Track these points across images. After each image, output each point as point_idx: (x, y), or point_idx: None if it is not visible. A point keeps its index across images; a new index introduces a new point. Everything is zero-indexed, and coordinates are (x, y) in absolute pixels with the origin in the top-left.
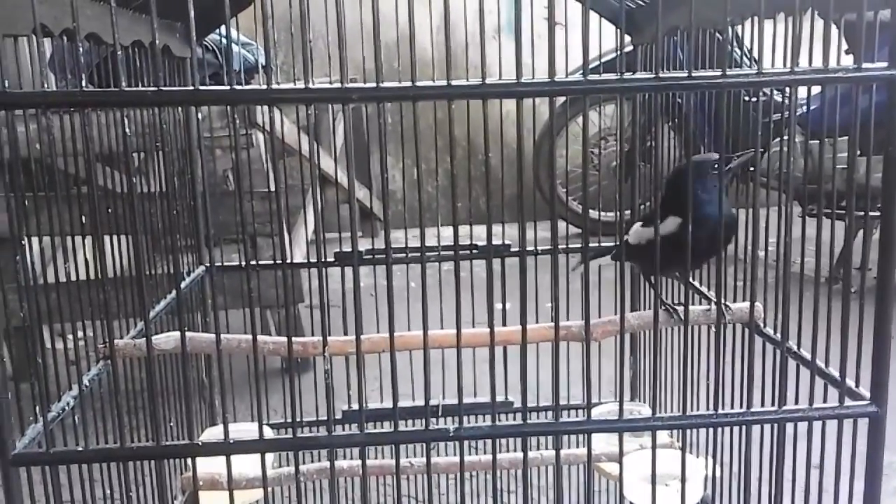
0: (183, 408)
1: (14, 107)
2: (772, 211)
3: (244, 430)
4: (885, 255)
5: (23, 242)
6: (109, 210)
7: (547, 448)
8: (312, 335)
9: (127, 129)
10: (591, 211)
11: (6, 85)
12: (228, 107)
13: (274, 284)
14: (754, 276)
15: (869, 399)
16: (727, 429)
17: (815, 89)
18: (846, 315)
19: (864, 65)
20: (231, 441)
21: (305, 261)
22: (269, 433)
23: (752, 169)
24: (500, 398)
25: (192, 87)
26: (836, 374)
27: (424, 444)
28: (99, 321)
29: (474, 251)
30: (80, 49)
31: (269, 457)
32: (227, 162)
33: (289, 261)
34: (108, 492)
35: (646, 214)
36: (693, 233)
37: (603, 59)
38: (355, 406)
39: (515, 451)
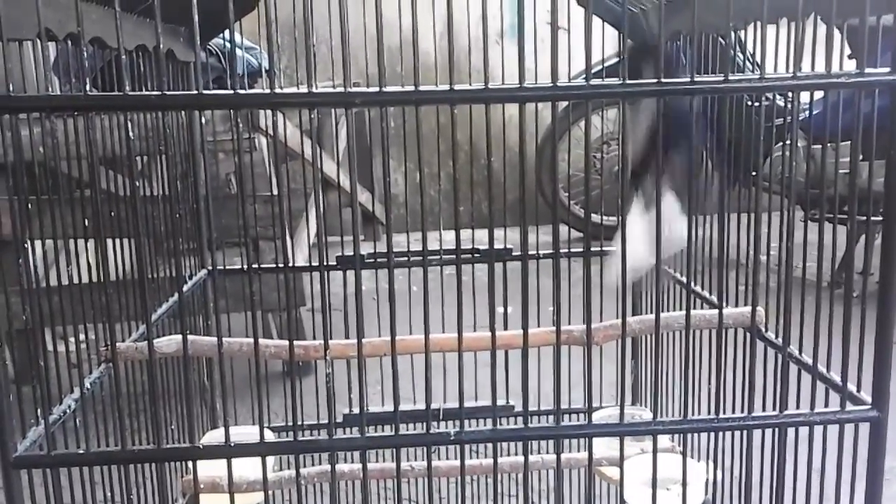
0: (184, 411)
1: (18, 110)
2: (774, 215)
3: (245, 433)
4: (887, 260)
5: (26, 245)
6: (112, 213)
7: (548, 452)
8: (314, 339)
9: (130, 133)
10: (593, 215)
11: (10, 89)
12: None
13: (276, 288)
14: (756, 281)
15: (870, 404)
16: (728, 433)
17: (818, 94)
18: (848, 320)
19: (867, 70)
20: (232, 444)
21: (307, 264)
22: (270, 436)
23: (754, 173)
24: (501, 402)
25: (195, 91)
26: (838, 378)
27: (425, 448)
28: (101, 324)
29: (476, 255)
30: (85, 53)
31: (270, 460)
32: (229, 165)
33: (291, 264)
34: (108, 494)
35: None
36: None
37: (606, 64)
38: (356, 409)
39: (516, 454)
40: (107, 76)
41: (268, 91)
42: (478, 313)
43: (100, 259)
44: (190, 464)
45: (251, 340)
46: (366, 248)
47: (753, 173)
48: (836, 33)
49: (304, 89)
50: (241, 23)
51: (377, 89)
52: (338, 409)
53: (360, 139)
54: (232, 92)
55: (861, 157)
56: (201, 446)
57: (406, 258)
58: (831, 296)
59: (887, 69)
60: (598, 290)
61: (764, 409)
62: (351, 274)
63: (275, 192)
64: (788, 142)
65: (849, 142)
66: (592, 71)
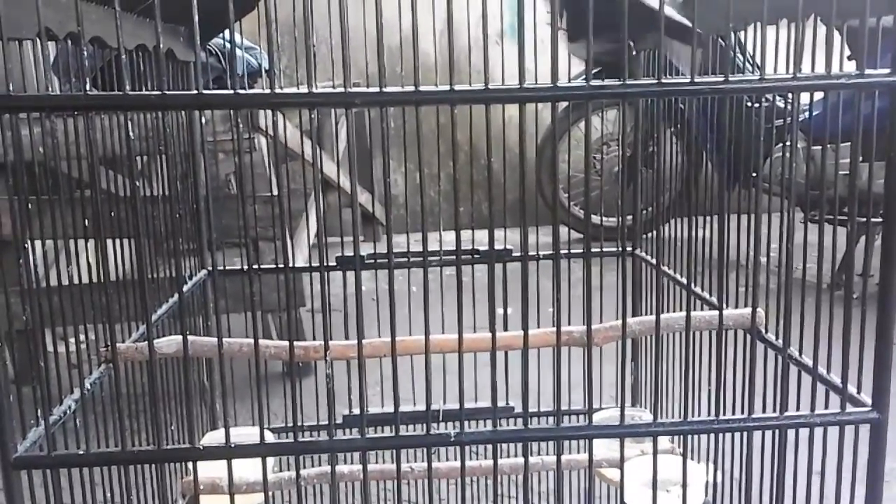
0: (184, 411)
1: (18, 110)
2: (774, 217)
3: (245, 433)
4: (886, 262)
5: (26, 245)
6: (112, 213)
7: (548, 453)
8: (314, 339)
9: (130, 133)
10: (593, 216)
11: (10, 88)
12: (232, 111)
13: (276, 288)
14: (756, 282)
15: (870, 406)
16: (728, 435)
17: (818, 95)
18: (848, 321)
19: (867, 71)
20: (232, 445)
21: (307, 265)
22: (270, 437)
23: (754, 174)
24: (501, 403)
25: (195, 91)
26: (838, 380)
27: (426, 449)
28: (101, 324)
29: (476, 256)
30: (84, 53)
31: (270, 461)
32: (229, 166)
33: (291, 265)
34: (108, 495)
35: None
36: None
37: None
38: (356, 410)
39: (516, 456)
40: (107, 76)
41: (268, 91)
42: (478, 314)
43: (100, 259)
44: (190, 465)
45: (251, 341)
46: (366, 249)
47: (753, 174)
48: (836, 34)
49: (303, 89)
50: (241, 23)
51: (377, 89)
52: (338, 410)
53: (360, 140)
54: (232, 92)
55: (861, 158)
56: (201, 447)
57: (406, 259)
58: (831, 297)
59: (887, 70)
60: (598, 291)
61: (764, 411)
62: (351, 274)
63: (275, 192)
64: (788, 143)
65: (849, 143)
66: (592, 71)
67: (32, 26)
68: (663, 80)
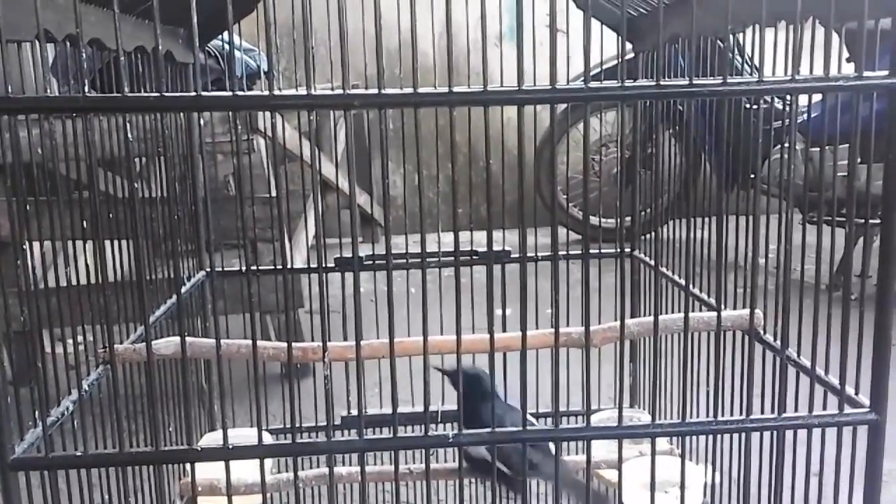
0: (182, 413)
1: (17, 112)
2: (772, 218)
3: (243, 435)
4: (885, 263)
5: (24, 247)
6: (110, 215)
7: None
8: (312, 341)
9: (129, 135)
10: (591, 217)
11: (9, 90)
12: (230, 112)
13: (274, 289)
14: (754, 283)
15: (868, 407)
16: (727, 436)
17: (816, 97)
18: (846, 322)
19: (865, 73)
20: (230, 446)
21: (306, 266)
22: (268, 439)
23: (752, 176)
24: None
25: (194, 93)
26: (836, 381)
27: (424, 451)
28: (99, 326)
29: (475, 257)
30: (83, 54)
31: (269, 462)
32: (228, 167)
33: (289, 266)
34: (106, 497)
35: None
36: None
37: (604, 67)
38: (355, 412)
39: None
40: (105, 78)
41: (266, 93)
42: (476, 315)
43: (98, 261)
44: (188, 466)
45: (249, 342)
46: (364, 250)
47: (752, 176)
48: (835, 37)
49: (302, 91)
50: (239, 24)
51: (376, 91)
52: (336, 412)
53: (358, 141)
54: (230, 94)
55: (859, 159)
56: (199, 448)
57: (405, 260)
58: (830, 298)
59: (885, 72)
60: (596, 293)
61: (762, 412)
62: (349, 276)
63: (273, 193)
64: (787, 144)
65: (847, 145)
66: (591, 74)
67: (31, 28)
68: (662, 82)
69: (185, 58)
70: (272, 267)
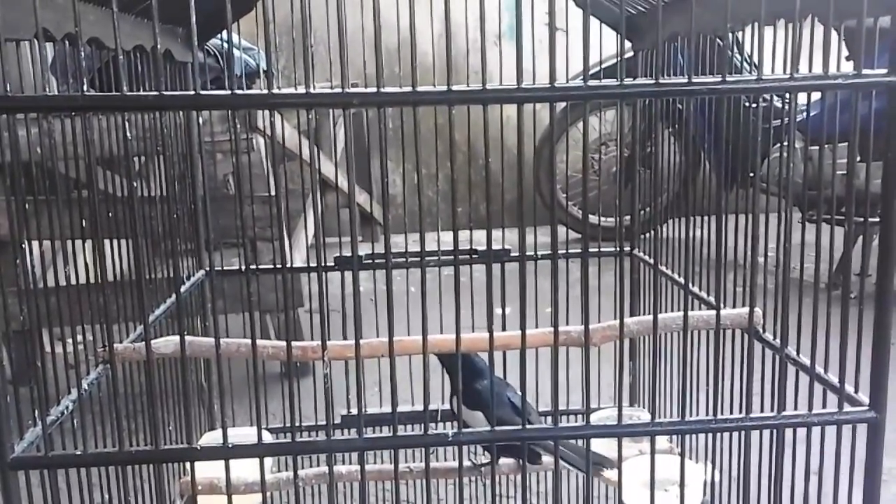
0: (182, 412)
1: (15, 110)
2: (772, 216)
3: (243, 434)
4: (884, 261)
5: (23, 246)
6: (110, 214)
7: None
8: (312, 340)
9: (128, 133)
10: (591, 216)
11: (8, 89)
12: (229, 111)
13: (274, 289)
14: (754, 282)
15: (868, 405)
16: (726, 434)
17: (815, 95)
18: (845, 321)
19: (864, 71)
20: (230, 445)
21: (305, 265)
22: (267, 437)
23: (752, 175)
24: None
25: (193, 92)
26: (836, 379)
27: (423, 449)
28: (98, 325)
29: (474, 256)
30: (82, 53)
31: (268, 461)
32: (227, 166)
33: (289, 265)
34: (106, 496)
35: None
36: None
37: (603, 65)
38: (354, 411)
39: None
40: (104, 77)
41: (266, 92)
42: (476, 314)
43: (97, 260)
44: (188, 465)
45: (249, 341)
46: (364, 250)
47: (751, 174)
48: (834, 35)
49: (301, 90)
50: (238, 23)
51: (375, 90)
52: (336, 411)
53: (357, 140)
54: (229, 92)
55: (858, 158)
56: (199, 447)
57: (404, 259)
58: (829, 297)
59: (884, 71)
60: (595, 291)
61: (762, 411)
62: (349, 275)
63: (273, 192)
64: (786, 143)
65: (846, 143)
66: (590, 72)
67: (30, 27)
68: (661, 81)
69: (184, 57)
70: (272, 266)
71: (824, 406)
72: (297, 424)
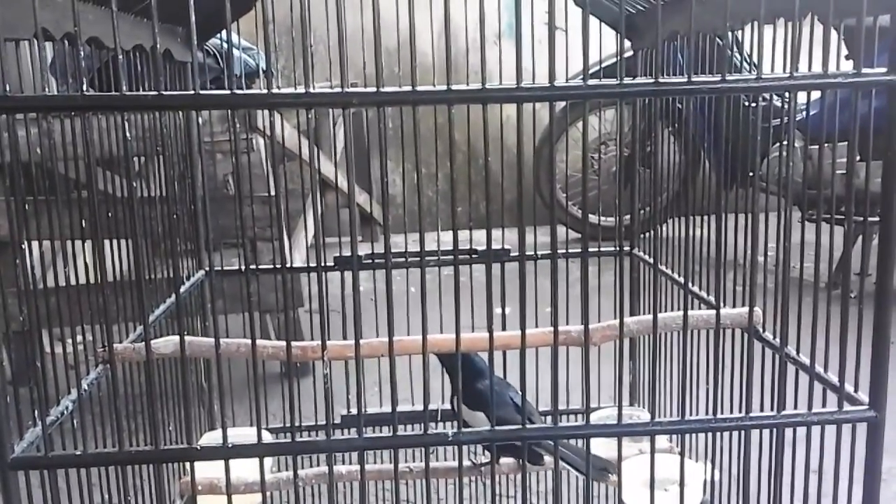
0: (182, 412)
1: (15, 110)
2: (771, 216)
3: (243, 434)
4: (883, 261)
5: (23, 246)
6: (109, 214)
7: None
8: (312, 340)
9: (127, 134)
10: (590, 216)
11: (7, 89)
12: (229, 111)
13: (274, 289)
14: (753, 281)
15: (868, 404)
16: (726, 433)
17: (815, 94)
18: (845, 320)
19: (864, 70)
20: (230, 445)
21: (305, 265)
22: (267, 437)
23: (751, 174)
24: None
25: (192, 92)
26: (835, 379)
27: (423, 449)
28: (98, 325)
29: (474, 256)
30: (82, 53)
31: (268, 461)
32: (227, 166)
33: (289, 265)
34: (106, 496)
35: None
36: None
37: (603, 64)
38: (354, 410)
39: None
40: (104, 77)
41: (265, 91)
42: (476, 314)
43: (97, 260)
44: (188, 465)
45: (249, 341)
46: (363, 250)
47: (751, 174)
48: (833, 34)
49: (301, 89)
50: (238, 23)
51: (375, 89)
52: (336, 411)
53: (357, 140)
54: (229, 92)
55: (858, 157)
56: (199, 447)
57: (404, 259)
58: (829, 296)
59: (884, 69)
60: (595, 291)
61: (762, 410)
62: (349, 275)
63: (272, 192)
64: (786, 142)
65: (846, 142)
66: (590, 71)
67: (29, 27)
68: (660, 80)
69: (184, 56)
70: (272, 266)
71: (824, 405)
72: (297, 424)
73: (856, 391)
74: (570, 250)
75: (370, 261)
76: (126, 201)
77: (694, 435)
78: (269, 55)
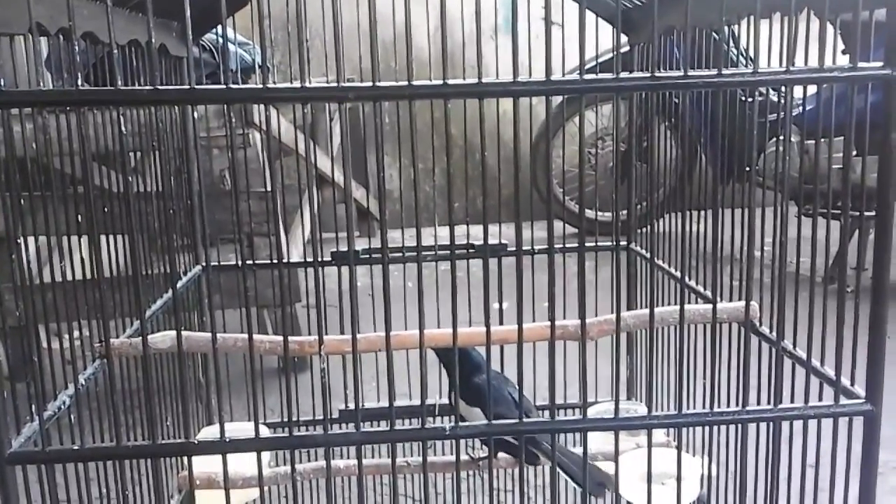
0: (179, 407)
1: (10, 106)
2: (768, 210)
3: (241, 429)
4: (879, 255)
5: (19, 242)
6: (105, 209)
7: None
8: (309, 335)
9: (123, 129)
10: (587, 211)
11: (2, 84)
12: (225, 106)
13: (271, 284)
14: (750, 276)
15: (864, 398)
16: (723, 427)
17: (811, 89)
18: (841, 314)
19: (860, 64)
20: (227, 440)
21: (302, 260)
22: (265, 432)
23: (748, 169)
24: None
25: (188, 87)
26: (832, 372)
27: (421, 443)
28: (95, 320)
29: (471, 251)
30: (77, 48)
31: (266, 456)
32: (223, 161)
33: (285, 260)
34: (104, 491)
35: None
36: None
37: (599, 59)
38: (352, 405)
39: None
40: (99, 72)
41: (261, 86)
42: (473, 309)
43: (93, 255)
44: (185, 460)
45: (246, 336)
46: (360, 245)
47: (747, 168)
48: (830, 28)
49: (297, 84)
50: (234, 18)
51: (371, 84)
52: (333, 405)
53: (354, 135)
54: (225, 87)
55: (854, 151)
56: (197, 442)
57: (401, 254)
58: (825, 290)
59: (880, 64)
60: (592, 285)
61: (758, 404)
62: (346, 270)
63: (269, 188)
64: (782, 137)
65: (842, 137)
66: (586, 66)
67: (24, 22)
68: (657, 74)
69: (180, 51)
70: (268, 261)
71: (821, 399)
72: (295, 419)
73: (852, 385)
74: (566, 245)
75: (367, 256)
76: (122, 197)
77: (691, 429)
78: (265, 50)
